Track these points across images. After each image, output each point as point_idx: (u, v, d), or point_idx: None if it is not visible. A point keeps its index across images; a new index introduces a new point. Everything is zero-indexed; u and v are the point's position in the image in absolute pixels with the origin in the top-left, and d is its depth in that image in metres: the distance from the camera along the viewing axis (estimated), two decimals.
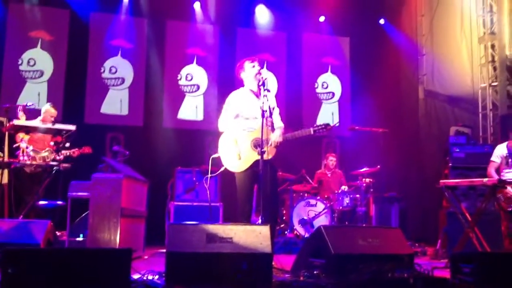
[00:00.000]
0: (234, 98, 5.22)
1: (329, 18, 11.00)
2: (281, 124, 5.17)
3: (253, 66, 5.14)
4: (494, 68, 8.62)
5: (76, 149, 6.73)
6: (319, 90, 11.11)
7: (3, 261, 3.19)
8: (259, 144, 4.73)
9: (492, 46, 8.67)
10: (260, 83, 4.95)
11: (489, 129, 8.56)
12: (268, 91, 4.86)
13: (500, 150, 6.34)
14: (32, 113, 7.06)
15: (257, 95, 5.09)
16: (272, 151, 4.91)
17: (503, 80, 8.41)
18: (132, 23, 10.16)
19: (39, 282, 3.17)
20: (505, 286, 3.54)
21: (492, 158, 6.31)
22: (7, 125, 6.18)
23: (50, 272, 3.20)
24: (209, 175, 5.14)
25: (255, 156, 4.85)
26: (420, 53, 10.25)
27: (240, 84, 5.37)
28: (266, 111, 4.74)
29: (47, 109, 6.94)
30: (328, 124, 4.95)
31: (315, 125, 4.97)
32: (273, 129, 5.03)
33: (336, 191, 8.31)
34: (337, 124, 5.06)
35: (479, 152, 6.92)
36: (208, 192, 5.48)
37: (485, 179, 5.66)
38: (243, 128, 5.05)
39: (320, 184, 8.88)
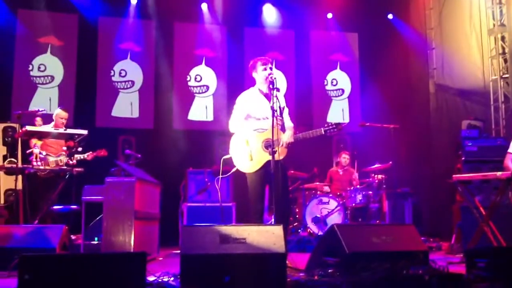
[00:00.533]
0: (244, 99, 5.22)
1: (336, 14, 10.98)
2: (291, 124, 5.19)
3: (265, 69, 5.14)
4: (505, 60, 8.55)
5: (90, 152, 6.79)
6: (328, 87, 11.09)
7: (20, 267, 3.22)
8: (270, 145, 4.74)
9: (502, 38, 8.60)
10: (270, 85, 4.95)
11: (501, 121, 8.50)
12: (278, 90, 4.86)
13: None
14: (45, 119, 7.13)
15: (267, 95, 5.09)
16: (283, 152, 4.93)
17: None
18: (140, 26, 10.21)
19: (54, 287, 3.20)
20: None
21: (510, 150, 6.18)
22: (20, 131, 6.24)
23: (66, 277, 3.23)
24: (221, 176, 5.16)
25: (266, 156, 4.88)
26: (429, 47, 10.19)
27: (250, 83, 5.38)
28: (276, 111, 4.75)
29: (58, 112, 6.98)
30: (339, 124, 4.96)
31: (326, 125, 4.99)
32: (283, 129, 5.04)
33: (348, 188, 8.30)
34: (347, 122, 5.11)
35: (492, 145, 6.86)
36: (219, 193, 5.49)
37: (499, 173, 5.61)
38: (254, 128, 5.07)
39: (331, 181, 8.89)
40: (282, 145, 4.91)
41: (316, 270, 4.00)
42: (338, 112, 10.97)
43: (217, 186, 5.15)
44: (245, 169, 5.04)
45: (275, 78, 4.94)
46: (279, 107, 4.88)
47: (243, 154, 5.02)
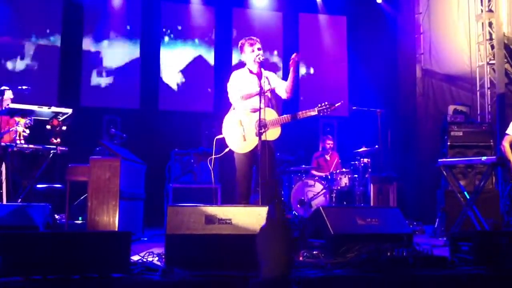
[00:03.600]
0: (236, 78, 5.20)
1: None
2: (285, 83, 5.17)
3: (252, 51, 5.14)
4: (492, 46, 8.59)
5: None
6: (316, 70, 11.05)
7: (2, 246, 3.18)
8: (262, 126, 4.74)
9: (490, 24, 8.63)
10: (260, 65, 4.99)
11: (487, 107, 8.56)
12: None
13: None
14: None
15: (258, 75, 5.08)
16: (274, 133, 4.91)
17: (501, 58, 8.38)
18: (126, 4, 10.06)
19: (38, 266, 3.17)
20: (503, 264, 3.55)
21: (507, 131, 6.17)
22: (3, 108, 6.14)
23: (50, 255, 3.20)
24: (213, 156, 5.13)
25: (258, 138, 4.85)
26: (417, 31, 10.18)
27: (237, 64, 5.36)
28: (265, 91, 4.77)
29: (9, 93, 6.80)
30: (332, 104, 4.91)
31: (319, 105, 4.95)
32: (276, 110, 5.04)
33: (334, 171, 8.32)
34: (341, 103, 5.02)
35: (477, 131, 6.92)
36: (212, 173, 5.40)
37: (483, 158, 5.67)
38: (247, 107, 5.04)
39: (318, 165, 8.90)
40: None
41: (301, 252, 4.01)
42: (325, 95, 10.95)
43: (210, 167, 5.11)
44: (238, 150, 5.03)
45: (263, 59, 4.97)
46: (270, 88, 4.92)
47: (237, 135, 5.02)
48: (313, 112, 4.94)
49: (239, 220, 3.73)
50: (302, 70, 10.97)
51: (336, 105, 4.94)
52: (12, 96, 6.80)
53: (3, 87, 6.80)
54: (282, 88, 5.14)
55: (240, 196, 4.99)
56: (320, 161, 8.99)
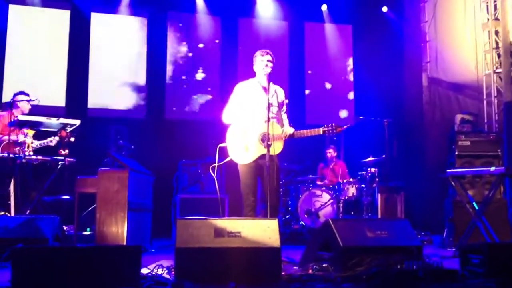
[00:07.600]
0: (241, 90, 5.21)
1: (331, 6, 10.94)
2: (287, 121, 5.19)
3: (262, 61, 5.13)
4: (498, 55, 8.56)
5: (53, 137, 6.53)
6: (321, 79, 11.06)
7: (13, 259, 3.20)
8: (267, 139, 4.75)
9: (496, 32, 8.61)
10: (268, 77, 5.00)
11: (494, 116, 8.53)
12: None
13: None
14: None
15: (265, 88, 5.09)
16: (278, 147, 4.92)
17: (508, 67, 8.34)
18: (133, 14, 10.12)
19: (49, 280, 3.18)
20: None
21: None
22: (12, 119, 6.18)
23: (60, 269, 3.21)
24: (216, 164, 5.14)
25: (261, 149, 4.87)
26: (423, 40, 10.18)
27: (243, 74, 5.40)
28: (272, 104, 4.78)
29: (25, 97, 6.72)
30: (338, 126, 4.94)
31: (325, 125, 4.98)
32: (281, 124, 5.05)
33: (341, 181, 8.30)
34: (348, 125, 5.08)
35: (484, 140, 6.89)
36: (216, 181, 5.38)
37: (492, 168, 5.64)
38: (250, 120, 5.05)
39: (323, 175, 8.89)
40: (285, 136, 4.90)
41: (310, 264, 4.01)
42: (332, 106, 10.96)
43: (213, 174, 5.12)
44: (239, 160, 5.05)
45: (270, 71, 5.01)
46: (278, 102, 4.92)
47: (239, 145, 5.03)
48: (318, 132, 4.97)
49: (248, 233, 3.73)
50: (308, 79, 10.99)
51: (344, 127, 4.98)
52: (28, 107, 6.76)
53: (21, 96, 6.76)
54: (283, 115, 5.16)
55: (246, 207, 4.99)
56: (325, 171, 8.97)
